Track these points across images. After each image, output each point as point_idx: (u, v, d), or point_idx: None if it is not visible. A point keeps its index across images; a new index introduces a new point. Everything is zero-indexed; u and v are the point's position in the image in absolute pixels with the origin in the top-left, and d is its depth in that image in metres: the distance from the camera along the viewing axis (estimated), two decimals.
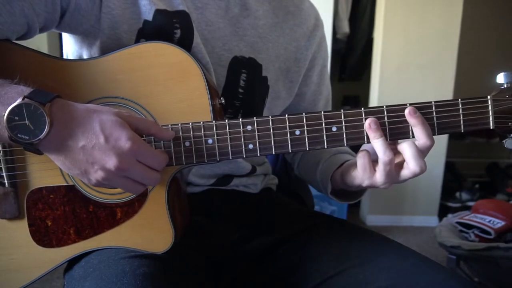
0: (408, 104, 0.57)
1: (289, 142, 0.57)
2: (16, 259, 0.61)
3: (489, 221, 1.64)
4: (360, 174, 0.61)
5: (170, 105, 0.58)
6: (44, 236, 0.60)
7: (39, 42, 2.30)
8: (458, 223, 1.73)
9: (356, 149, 0.67)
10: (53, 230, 0.60)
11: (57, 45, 2.40)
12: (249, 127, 0.57)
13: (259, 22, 0.73)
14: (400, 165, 0.59)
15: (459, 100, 0.57)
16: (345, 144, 0.58)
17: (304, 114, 0.57)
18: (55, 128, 0.46)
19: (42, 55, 0.59)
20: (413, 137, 0.57)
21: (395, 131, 0.57)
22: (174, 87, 0.58)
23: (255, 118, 0.57)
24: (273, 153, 0.58)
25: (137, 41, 0.63)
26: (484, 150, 3.28)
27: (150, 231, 0.59)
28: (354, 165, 0.63)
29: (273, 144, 0.58)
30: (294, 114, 0.57)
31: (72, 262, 0.62)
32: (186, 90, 0.58)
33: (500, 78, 0.58)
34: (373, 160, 0.60)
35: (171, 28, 0.63)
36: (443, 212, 2.71)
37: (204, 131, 0.57)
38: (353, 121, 0.57)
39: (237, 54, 0.71)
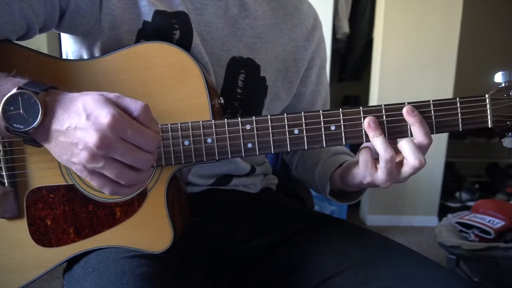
0: (406, 103, 0.57)
1: (288, 141, 0.58)
2: (16, 258, 0.61)
3: (489, 221, 1.64)
4: (361, 171, 0.61)
5: (169, 105, 0.58)
6: (43, 235, 0.60)
7: (39, 42, 2.31)
8: (458, 223, 1.73)
9: (355, 149, 0.68)
10: (53, 230, 0.60)
11: (57, 45, 2.40)
12: (248, 126, 0.57)
13: (258, 23, 0.73)
14: (400, 163, 0.59)
15: (457, 99, 0.57)
16: (344, 143, 0.58)
17: (302, 113, 0.57)
18: (49, 115, 0.46)
19: (42, 55, 0.59)
20: (412, 135, 0.58)
21: (393, 130, 0.58)
22: (173, 87, 0.58)
23: (254, 117, 0.57)
24: (272, 152, 0.58)
25: (137, 41, 0.63)
26: (484, 150, 3.28)
27: (149, 230, 0.60)
28: (355, 163, 0.63)
29: (272, 143, 0.58)
30: (293, 113, 0.57)
31: (72, 262, 0.62)
32: (186, 90, 0.58)
33: (498, 77, 0.58)
34: (374, 158, 0.60)
35: (170, 29, 0.63)
36: (443, 212, 2.71)
37: (203, 130, 0.57)
38: (351, 120, 0.57)
39: (236, 55, 0.71)
